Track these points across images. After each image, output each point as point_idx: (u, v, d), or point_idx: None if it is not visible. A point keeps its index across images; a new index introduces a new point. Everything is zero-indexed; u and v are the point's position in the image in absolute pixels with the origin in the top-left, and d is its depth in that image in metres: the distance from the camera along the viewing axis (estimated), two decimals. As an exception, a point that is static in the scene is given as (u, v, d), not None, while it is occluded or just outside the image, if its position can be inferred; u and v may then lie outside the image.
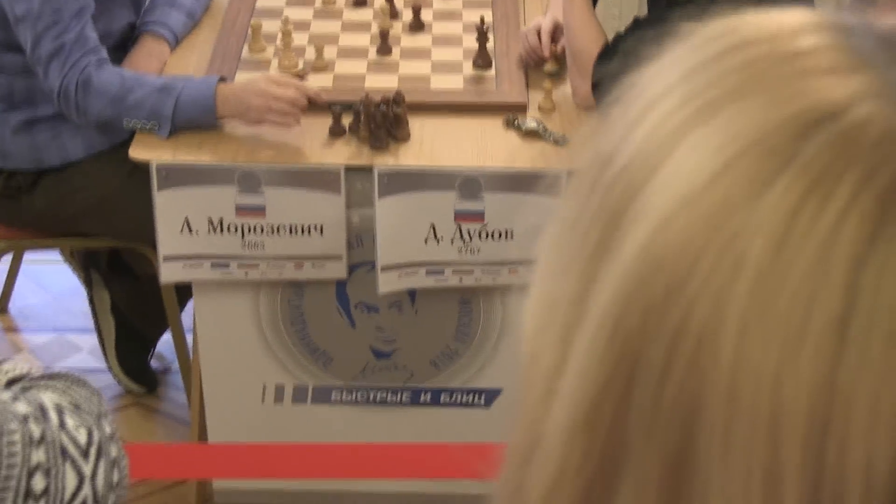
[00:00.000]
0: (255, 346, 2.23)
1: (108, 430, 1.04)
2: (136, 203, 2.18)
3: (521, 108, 2.15)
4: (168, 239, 2.07)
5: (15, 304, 2.70)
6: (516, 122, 2.11)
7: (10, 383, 1.03)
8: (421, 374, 2.27)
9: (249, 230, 2.07)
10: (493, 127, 2.14)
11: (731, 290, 0.39)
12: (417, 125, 2.10)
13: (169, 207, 2.05)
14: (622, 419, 0.42)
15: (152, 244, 2.19)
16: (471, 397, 2.27)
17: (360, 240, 2.12)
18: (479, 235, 2.11)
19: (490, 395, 2.23)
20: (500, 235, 2.11)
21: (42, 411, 0.96)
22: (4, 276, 2.65)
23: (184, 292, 2.39)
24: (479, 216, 2.09)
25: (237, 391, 2.22)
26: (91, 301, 2.49)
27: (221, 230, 2.07)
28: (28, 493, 0.87)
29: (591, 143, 0.47)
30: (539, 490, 0.46)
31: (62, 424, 0.98)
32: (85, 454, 0.99)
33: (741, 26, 0.45)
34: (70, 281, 2.58)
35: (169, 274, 2.11)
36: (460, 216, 2.09)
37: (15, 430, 0.89)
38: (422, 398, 2.27)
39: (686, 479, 0.41)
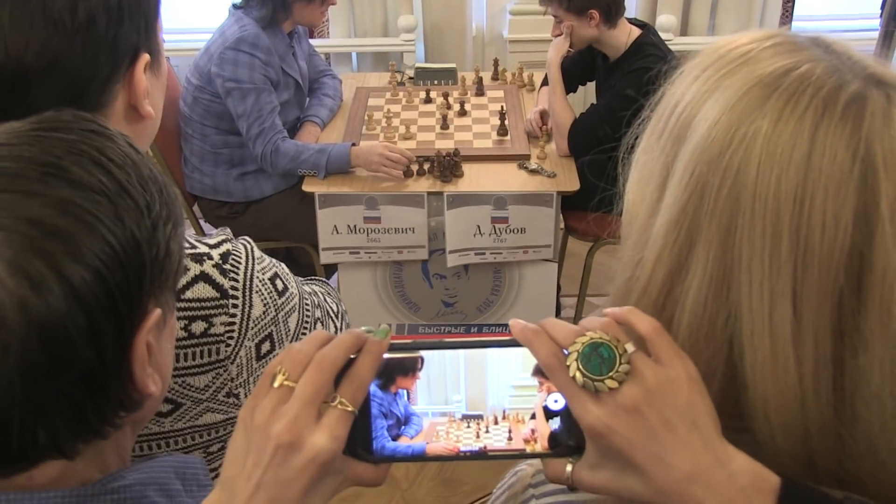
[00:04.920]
0: (374, 301, 3.06)
1: (343, 307, 1.36)
2: (304, 220, 3.00)
3: (527, 157, 2.95)
4: (325, 238, 2.92)
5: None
6: (524, 165, 2.90)
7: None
8: (471, 316, 3.07)
9: (371, 231, 2.89)
10: (511, 168, 2.93)
11: (752, 146, 0.62)
12: (467, 168, 2.89)
13: (325, 219, 2.88)
14: (696, 216, 0.64)
15: (312, 244, 3.03)
16: (501, 329, 3.02)
17: (435, 235, 2.87)
18: (506, 231, 2.83)
19: (513, 328, 3.10)
20: (518, 230, 2.84)
21: (312, 291, 1.24)
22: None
23: (328, 273, 3.22)
24: (505, 220, 2.81)
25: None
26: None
27: (355, 231, 2.89)
28: None
29: (658, 102, 0.69)
30: (649, 265, 0.67)
31: (325, 300, 1.27)
32: (337, 317, 1.29)
33: (723, 45, 0.67)
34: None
35: (325, 258, 2.97)
36: (494, 220, 2.81)
37: (307, 298, 1.15)
38: (471, 330, 3.07)
39: (732, 242, 0.63)
